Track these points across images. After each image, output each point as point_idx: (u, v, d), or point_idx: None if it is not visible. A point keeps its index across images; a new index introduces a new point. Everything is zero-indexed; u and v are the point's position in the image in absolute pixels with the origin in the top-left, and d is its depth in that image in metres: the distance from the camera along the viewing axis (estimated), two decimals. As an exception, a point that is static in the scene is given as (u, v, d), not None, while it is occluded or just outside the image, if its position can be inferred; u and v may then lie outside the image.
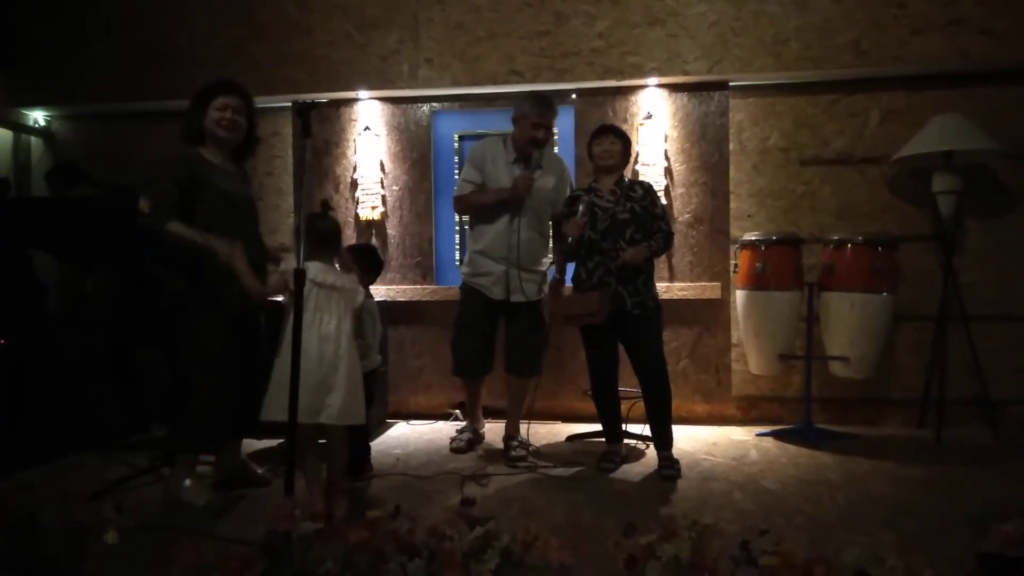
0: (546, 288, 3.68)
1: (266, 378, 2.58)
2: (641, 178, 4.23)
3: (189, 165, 2.86)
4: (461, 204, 3.66)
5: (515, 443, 3.61)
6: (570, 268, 3.57)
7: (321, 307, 2.58)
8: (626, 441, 3.65)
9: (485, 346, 3.67)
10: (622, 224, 3.33)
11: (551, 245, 3.79)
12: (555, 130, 3.64)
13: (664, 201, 4.26)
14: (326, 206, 2.76)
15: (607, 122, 3.83)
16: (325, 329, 2.56)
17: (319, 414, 2.54)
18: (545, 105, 3.50)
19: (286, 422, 2.48)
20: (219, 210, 2.88)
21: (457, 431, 3.86)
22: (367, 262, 3.22)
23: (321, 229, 2.67)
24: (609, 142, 3.41)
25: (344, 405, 2.54)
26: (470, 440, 3.78)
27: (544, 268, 3.67)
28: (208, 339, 2.87)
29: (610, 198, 3.37)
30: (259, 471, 3.18)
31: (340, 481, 2.79)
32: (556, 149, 4.31)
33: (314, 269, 2.58)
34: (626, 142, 3.47)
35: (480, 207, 3.57)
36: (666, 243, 3.38)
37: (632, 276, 3.30)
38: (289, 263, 2.57)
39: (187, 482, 2.89)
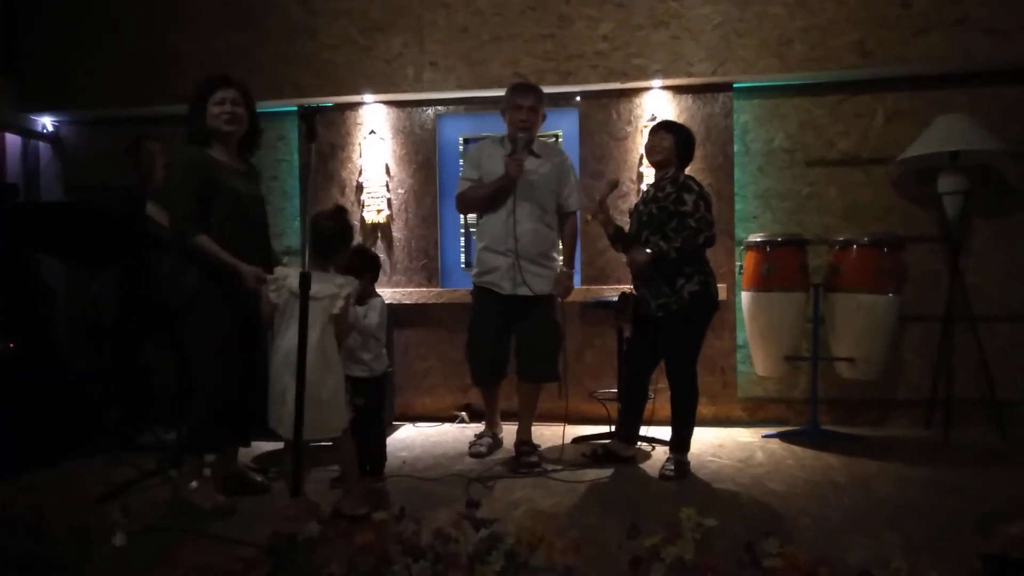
0: (551, 283, 3.50)
1: (264, 382, 2.61)
2: (645, 180, 4.23)
3: (199, 168, 2.83)
4: (462, 202, 3.63)
5: (527, 448, 3.54)
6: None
7: (292, 316, 2.47)
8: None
9: (498, 354, 3.59)
10: (642, 227, 3.34)
11: (559, 242, 3.65)
12: (544, 114, 3.54)
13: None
14: (339, 212, 2.85)
15: (660, 120, 3.60)
16: (290, 342, 2.46)
17: (279, 426, 2.55)
18: (521, 88, 3.50)
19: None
20: (230, 211, 2.85)
21: (476, 436, 3.82)
22: (355, 264, 3.02)
23: (318, 231, 2.69)
24: (659, 137, 3.36)
25: (308, 420, 2.28)
26: (490, 445, 3.74)
27: (554, 263, 3.57)
28: (219, 336, 2.84)
29: (644, 201, 3.39)
30: (258, 478, 3.14)
31: (350, 482, 2.80)
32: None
33: (292, 278, 2.51)
34: (679, 135, 3.36)
35: (479, 200, 3.52)
36: (685, 242, 3.18)
37: (651, 278, 3.27)
38: (282, 271, 2.65)
39: (193, 484, 2.85)
